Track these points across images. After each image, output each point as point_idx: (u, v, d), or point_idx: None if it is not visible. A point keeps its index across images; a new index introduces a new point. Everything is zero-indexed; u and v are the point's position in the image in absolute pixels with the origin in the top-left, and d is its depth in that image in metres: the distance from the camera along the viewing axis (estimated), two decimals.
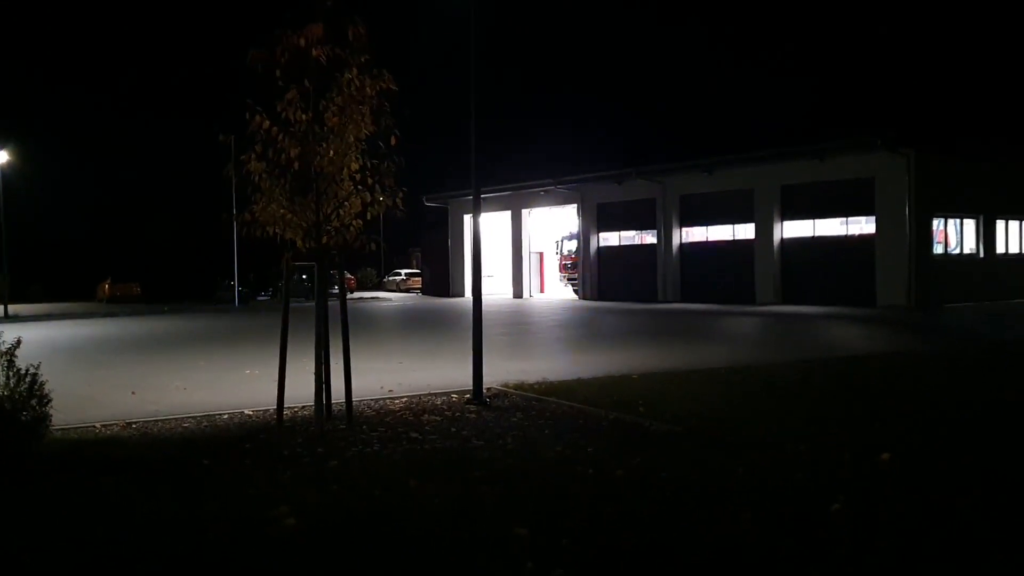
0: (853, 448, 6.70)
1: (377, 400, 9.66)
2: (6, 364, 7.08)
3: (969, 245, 29.69)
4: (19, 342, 7.42)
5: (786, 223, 30.46)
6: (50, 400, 7.08)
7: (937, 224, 28.30)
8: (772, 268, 30.51)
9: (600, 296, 36.47)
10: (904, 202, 26.86)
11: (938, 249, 28.37)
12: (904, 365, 12.21)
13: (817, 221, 29.58)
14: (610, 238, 37.03)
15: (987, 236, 30.06)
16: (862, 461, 6.29)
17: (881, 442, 6.82)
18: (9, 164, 36.35)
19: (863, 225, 28.30)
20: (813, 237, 29.73)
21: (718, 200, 32.45)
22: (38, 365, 7.15)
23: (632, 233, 36.06)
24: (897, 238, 27.00)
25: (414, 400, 9.68)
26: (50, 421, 7.13)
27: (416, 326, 25.38)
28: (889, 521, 4.94)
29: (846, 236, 28.80)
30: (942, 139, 29.23)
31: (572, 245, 37.96)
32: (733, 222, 32.11)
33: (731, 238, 32.34)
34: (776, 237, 30.52)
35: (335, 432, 7.87)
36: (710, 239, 33.18)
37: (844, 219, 28.82)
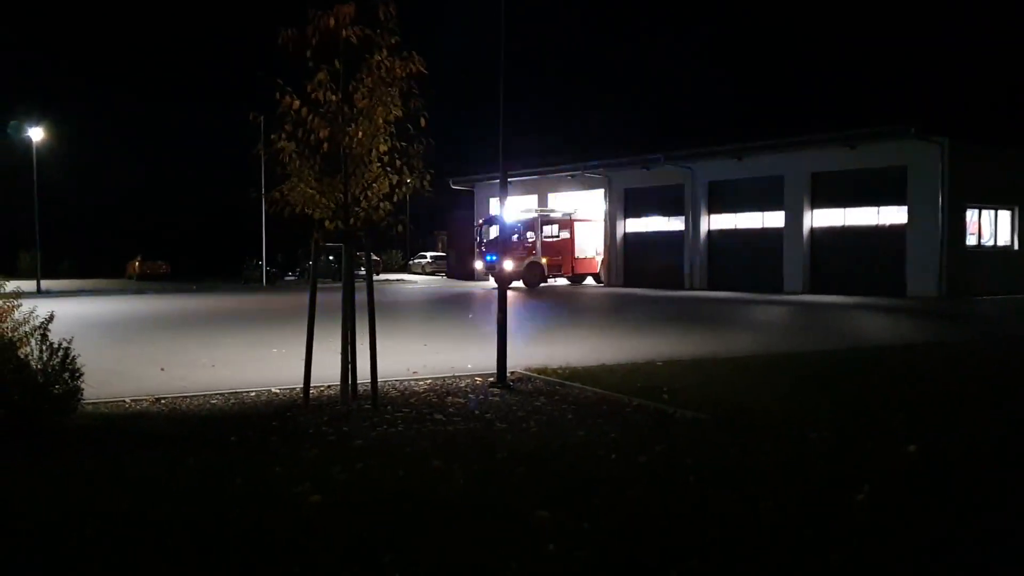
0: (880, 438, 6.65)
1: (402, 381, 9.71)
2: (39, 338, 7.21)
3: (1004, 237, 29.22)
4: (51, 317, 7.56)
5: (816, 211, 30.16)
6: (82, 374, 7.20)
7: (971, 215, 27.89)
8: (801, 257, 30.24)
9: (626, 283, 36.35)
10: (937, 192, 26.49)
11: (971, 240, 27.96)
12: (933, 356, 12.07)
13: (848, 210, 29.27)
14: (637, 224, 36.85)
15: (1023, 228, 29.56)
16: (888, 451, 6.24)
17: (908, 433, 6.77)
18: (42, 143, 36.85)
19: (894, 214, 27.96)
20: (843, 226, 29.42)
21: (747, 187, 32.17)
22: (70, 340, 7.28)
23: (659, 219, 35.85)
24: (929, 228, 26.65)
25: (438, 382, 9.72)
26: (82, 395, 7.26)
27: (441, 309, 25.46)
28: (914, 512, 4.90)
29: (877, 225, 28.47)
30: (977, 127, 28.71)
31: (493, 231, 35.53)
32: (762, 209, 31.84)
33: (760, 226, 32.06)
34: (806, 225, 30.23)
35: (360, 412, 7.94)
36: (738, 226, 32.92)
37: (875, 208, 28.48)
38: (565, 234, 35.97)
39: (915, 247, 27.11)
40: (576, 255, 36.53)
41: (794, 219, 30.47)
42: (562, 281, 37.48)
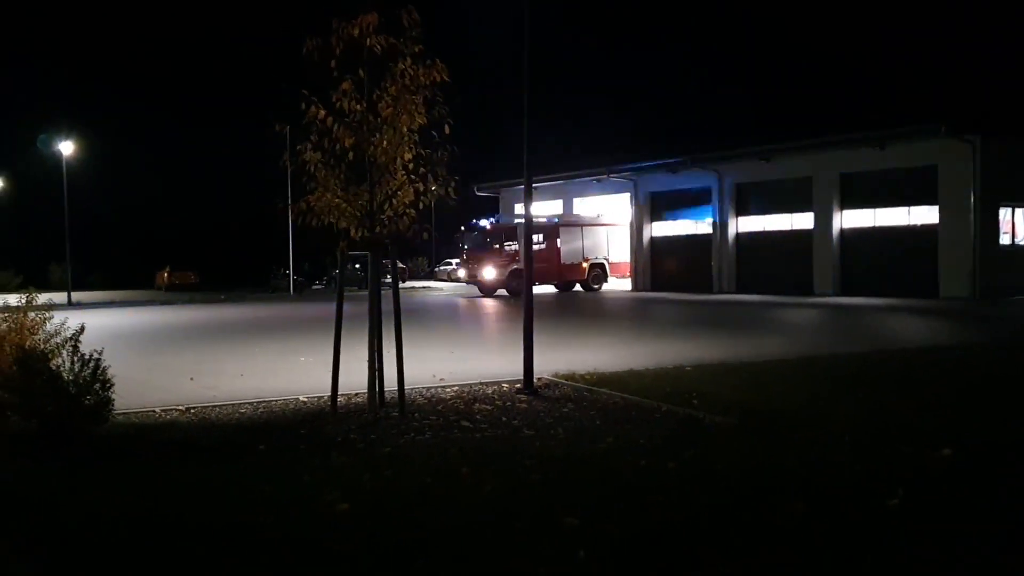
0: (913, 442, 6.54)
1: (429, 388, 9.72)
2: (71, 350, 7.31)
3: None
4: (82, 328, 7.66)
5: (846, 212, 29.84)
6: (112, 384, 7.28)
7: (1004, 214, 27.44)
8: (831, 258, 29.93)
9: (653, 287, 36.17)
10: (969, 191, 26.09)
11: (1004, 240, 27.49)
12: (967, 358, 11.87)
13: (878, 210, 28.93)
14: (663, 228, 36.67)
15: None
16: (922, 456, 6.13)
17: (942, 437, 6.64)
18: (72, 156, 37.41)
19: (926, 214, 27.60)
20: (874, 227, 29.08)
21: (775, 189, 31.92)
22: (101, 351, 7.35)
23: (686, 222, 35.66)
24: (961, 228, 26.26)
25: (465, 389, 9.71)
26: (113, 405, 7.34)
27: (466, 316, 25.48)
28: (948, 517, 4.81)
29: (908, 226, 28.10)
30: (1010, 125, 28.19)
31: (475, 238, 34.83)
32: (791, 211, 31.56)
33: (789, 228, 31.78)
34: (835, 227, 29.92)
35: (388, 419, 7.95)
36: (767, 229, 32.66)
37: (906, 208, 28.12)
38: (550, 241, 34.47)
39: (947, 248, 26.72)
40: (563, 262, 35.02)
41: (823, 220, 30.17)
42: (550, 289, 35.96)
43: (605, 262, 36.14)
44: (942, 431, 6.92)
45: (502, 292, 33.79)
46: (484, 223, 35.43)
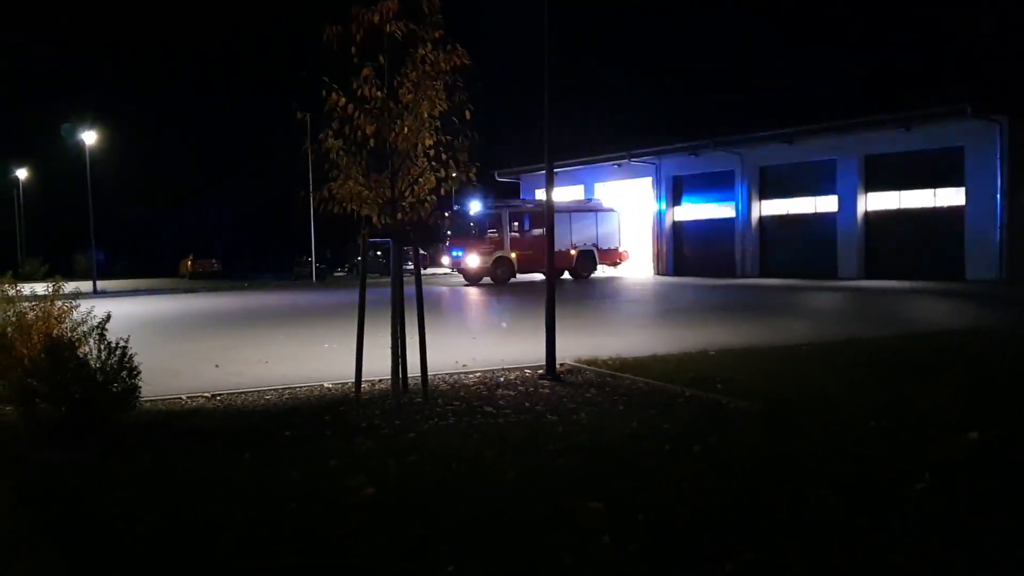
0: (940, 426, 6.48)
1: (452, 374, 9.74)
2: (97, 338, 7.38)
3: None
4: (108, 317, 7.74)
5: (870, 195, 29.53)
6: (139, 372, 7.35)
7: None
8: (855, 242, 29.66)
9: (676, 271, 36.02)
10: (996, 172, 25.71)
11: None
12: (993, 342, 11.74)
13: (903, 192, 28.60)
14: (685, 212, 36.48)
15: None
16: (949, 439, 6.08)
17: (969, 420, 6.58)
18: (95, 145, 37.72)
19: (952, 196, 27.25)
20: (898, 209, 28.76)
21: (799, 171, 31.63)
22: (127, 339, 7.42)
23: (709, 206, 35.44)
24: (988, 210, 25.92)
25: (488, 375, 9.73)
26: (139, 392, 7.41)
27: (488, 302, 25.50)
28: (975, 502, 4.76)
29: (934, 208, 27.77)
30: None
31: (459, 225, 33.36)
32: (814, 194, 31.28)
33: (812, 211, 31.52)
34: (859, 209, 29.63)
35: (411, 405, 7.98)
36: (790, 212, 32.40)
37: (931, 190, 27.79)
38: (536, 227, 32.58)
39: (974, 230, 26.38)
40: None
41: (848, 203, 29.88)
42: (539, 277, 35.53)
43: (595, 249, 34.44)
44: (969, 415, 6.85)
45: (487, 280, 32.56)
46: (465, 208, 34.37)
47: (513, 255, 32.63)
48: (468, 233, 33.07)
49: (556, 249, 35.79)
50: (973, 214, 26.41)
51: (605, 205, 36.36)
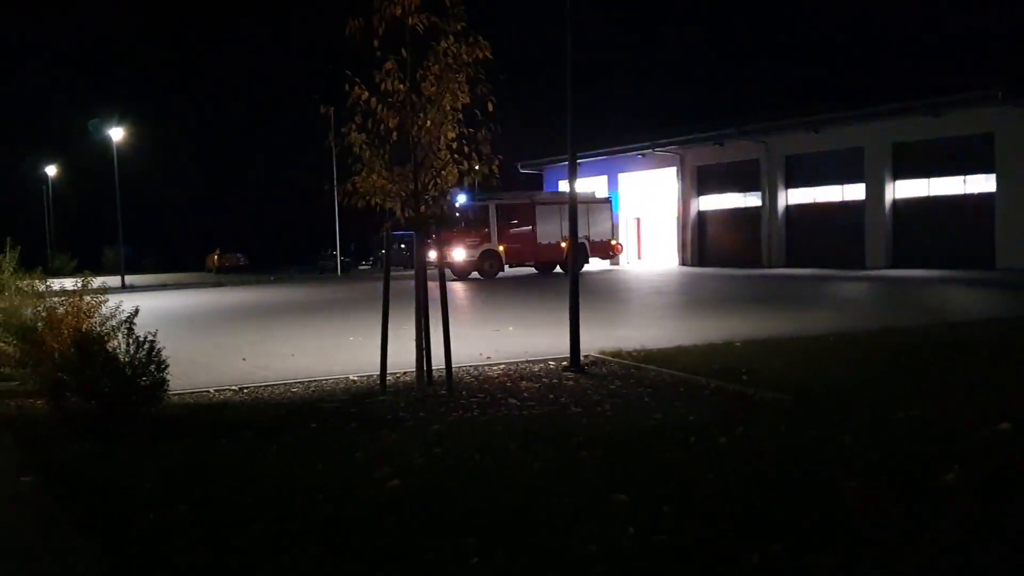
0: (969, 417, 6.39)
1: (476, 366, 9.76)
2: (126, 332, 7.47)
3: None
4: (136, 311, 7.82)
5: (898, 183, 29.20)
6: (167, 366, 7.43)
7: None
8: (883, 230, 29.34)
9: (701, 262, 35.83)
10: None
11: None
12: None
13: (932, 180, 28.25)
14: (710, 202, 36.24)
15: None
16: (979, 430, 5.99)
17: (1000, 411, 6.48)
18: (123, 141, 38.11)
19: (982, 183, 26.86)
20: (927, 197, 28.42)
21: (825, 160, 31.33)
22: (155, 333, 7.51)
23: (734, 196, 35.19)
24: (1019, 197, 25.54)
25: (512, 367, 9.74)
26: (167, 385, 7.50)
27: (511, 294, 25.50)
28: (1006, 493, 4.70)
29: (964, 195, 27.41)
30: None
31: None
32: (841, 182, 30.99)
33: (839, 199, 31.23)
34: (887, 198, 29.30)
35: (436, 397, 8.01)
36: (817, 200, 32.11)
37: (961, 177, 27.41)
38: (525, 219, 32.85)
39: (1005, 217, 26.00)
40: (540, 241, 33.01)
41: (875, 191, 29.56)
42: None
43: (586, 241, 33.70)
44: (1000, 405, 6.75)
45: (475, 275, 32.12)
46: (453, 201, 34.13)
47: (501, 248, 32.30)
48: (455, 226, 31.83)
49: (547, 242, 34.75)
50: (1004, 201, 26.04)
51: (598, 196, 35.73)
